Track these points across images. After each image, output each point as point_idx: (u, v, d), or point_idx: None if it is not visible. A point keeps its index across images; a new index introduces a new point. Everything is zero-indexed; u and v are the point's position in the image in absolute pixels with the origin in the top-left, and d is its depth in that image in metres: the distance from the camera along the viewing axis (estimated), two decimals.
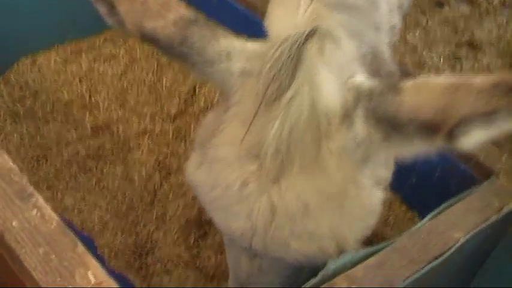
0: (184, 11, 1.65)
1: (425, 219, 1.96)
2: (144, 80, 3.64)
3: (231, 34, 1.67)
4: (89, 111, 3.44)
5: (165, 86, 3.60)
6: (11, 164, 1.77)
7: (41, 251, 1.60)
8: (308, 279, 2.15)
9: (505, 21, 4.35)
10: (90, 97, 3.52)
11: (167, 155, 3.25)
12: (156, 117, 3.43)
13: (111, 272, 1.62)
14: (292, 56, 1.47)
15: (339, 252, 1.65)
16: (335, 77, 1.51)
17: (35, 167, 3.16)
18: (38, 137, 3.29)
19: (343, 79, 1.53)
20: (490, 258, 2.42)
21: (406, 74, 2.02)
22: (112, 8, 1.67)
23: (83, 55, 3.76)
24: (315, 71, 1.47)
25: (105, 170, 3.19)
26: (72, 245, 1.60)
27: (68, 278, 1.54)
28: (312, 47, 1.48)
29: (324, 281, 1.69)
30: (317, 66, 1.48)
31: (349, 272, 1.73)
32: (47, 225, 1.64)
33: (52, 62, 3.68)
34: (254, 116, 1.52)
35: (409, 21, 4.19)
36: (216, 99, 3.48)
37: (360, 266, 1.76)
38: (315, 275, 2.12)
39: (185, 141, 3.31)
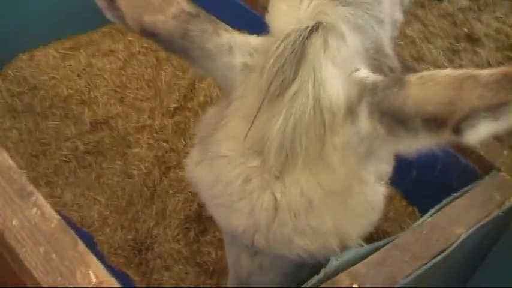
0: (185, 5, 1.64)
1: (427, 214, 1.95)
2: (143, 75, 3.63)
3: (232, 29, 1.66)
4: (87, 107, 3.43)
5: (164, 81, 3.59)
6: (10, 161, 1.76)
7: (41, 250, 1.58)
8: (308, 277, 2.15)
9: (503, 14, 4.34)
10: (89, 92, 3.51)
11: (167, 150, 3.24)
12: (156, 112, 3.43)
13: (110, 268, 1.60)
14: (295, 51, 1.46)
15: (342, 248, 1.65)
16: (339, 71, 1.50)
17: (34, 163, 3.15)
18: (37, 133, 3.29)
19: (347, 74, 1.52)
20: (491, 253, 2.42)
21: (407, 68, 2.01)
22: (112, 2, 1.66)
23: (82, 50, 3.75)
24: (319, 65, 1.46)
25: (104, 166, 3.18)
26: (73, 243, 1.59)
27: (68, 277, 1.52)
28: (316, 42, 1.47)
29: (326, 277, 1.68)
30: (321, 60, 1.47)
31: (352, 268, 1.72)
32: (47, 224, 1.63)
33: (50, 57, 3.67)
34: (257, 112, 1.51)
35: (408, 14, 4.17)
36: (215, 94, 3.47)
37: (362, 263, 1.75)
38: (314, 272, 2.12)
39: (185, 136, 3.30)
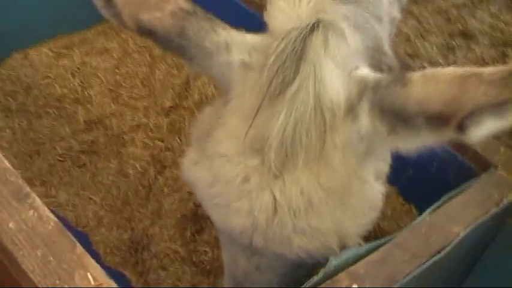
0: (182, 3, 1.63)
1: (426, 213, 1.94)
2: (138, 74, 3.62)
3: (230, 26, 1.65)
4: (81, 106, 3.42)
5: (159, 79, 3.58)
6: (6, 163, 1.74)
7: (39, 252, 1.57)
8: (305, 277, 2.14)
9: (498, 10, 4.34)
10: (83, 91, 3.50)
11: (162, 149, 3.23)
12: (150, 111, 3.41)
13: (107, 268, 1.59)
14: (296, 49, 1.45)
15: (341, 247, 1.65)
16: (339, 70, 1.49)
17: (28, 163, 3.13)
18: (31, 132, 3.27)
19: (347, 72, 1.51)
20: (488, 250, 2.42)
21: (404, 66, 2.01)
22: (109, 0, 1.65)
23: (75, 49, 3.73)
24: (319, 64, 1.46)
25: (99, 165, 3.17)
26: (70, 246, 1.58)
27: (67, 280, 1.51)
28: (316, 40, 1.46)
29: (326, 277, 1.67)
30: (321, 59, 1.46)
31: (351, 268, 1.72)
32: (44, 226, 1.61)
33: (44, 56, 3.65)
34: (258, 110, 1.50)
35: (402, 11, 4.16)
36: (210, 92, 3.46)
37: (361, 262, 1.74)
38: (311, 272, 2.11)
39: (180, 135, 3.29)
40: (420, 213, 2.73)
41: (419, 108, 1.41)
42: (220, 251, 2.63)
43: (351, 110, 1.50)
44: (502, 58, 3.95)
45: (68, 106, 3.40)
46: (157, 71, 3.62)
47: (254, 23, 1.65)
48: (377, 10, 1.67)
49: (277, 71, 1.47)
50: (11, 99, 3.41)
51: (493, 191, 2.07)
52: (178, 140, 3.26)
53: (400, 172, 2.58)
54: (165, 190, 3.05)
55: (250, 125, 1.52)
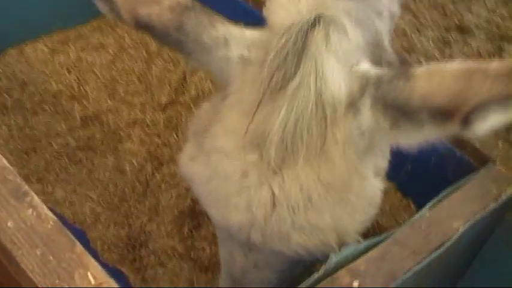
0: None
1: (425, 208, 1.94)
2: (134, 69, 3.60)
3: (228, 21, 1.64)
4: (78, 102, 3.40)
5: (155, 75, 3.57)
6: (4, 162, 1.73)
7: (38, 252, 1.56)
8: (303, 274, 2.14)
9: (494, 4, 4.34)
10: (79, 87, 3.48)
11: (158, 145, 3.22)
12: (147, 107, 3.40)
13: (104, 265, 1.58)
14: (297, 44, 1.45)
15: (340, 244, 1.64)
16: (341, 65, 1.49)
17: (25, 160, 3.12)
18: (27, 129, 3.25)
19: (349, 67, 1.51)
20: (486, 245, 2.42)
21: (403, 62, 2.00)
22: None
23: (71, 45, 3.71)
24: (321, 59, 1.45)
25: (95, 161, 3.15)
26: (70, 245, 1.57)
27: (67, 279, 1.50)
28: (318, 35, 1.45)
29: (326, 275, 1.67)
30: (323, 54, 1.45)
31: (352, 265, 1.71)
32: (43, 225, 1.60)
33: (39, 52, 3.63)
34: (258, 105, 1.50)
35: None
36: (207, 88, 3.45)
37: (361, 259, 1.74)
38: (308, 269, 2.11)
39: (177, 130, 3.28)
40: (418, 209, 2.73)
41: (423, 102, 1.42)
42: (218, 247, 2.63)
43: (352, 105, 1.50)
44: (499, 52, 3.95)
45: (64, 102, 3.39)
46: (153, 67, 3.61)
47: (252, 19, 1.65)
48: (377, 5, 1.66)
49: (278, 66, 1.46)
50: (6, 96, 3.39)
51: (491, 186, 2.07)
52: (175, 135, 3.25)
53: (398, 168, 2.58)
54: (162, 186, 3.04)
55: (251, 121, 1.52)
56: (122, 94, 3.47)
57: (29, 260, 1.54)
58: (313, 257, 1.67)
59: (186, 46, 1.63)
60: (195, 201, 2.91)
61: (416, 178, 2.65)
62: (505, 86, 1.34)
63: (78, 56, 3.65)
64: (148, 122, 3.32)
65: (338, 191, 1.56)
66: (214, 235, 2.80)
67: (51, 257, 1.54)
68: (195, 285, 2.68)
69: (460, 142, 2.35)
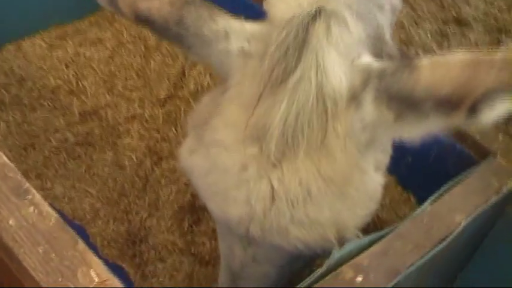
0: None
1: (427, 202, 1.94)
2: (132, 64, 3.59)
3: (228, 15, 1.64)
4: (76, 97, 3.39)
5: (154, 70, 3.55)
6: (4, 159, 1.72)
7: (40, 250, 1.55)
8: (302, 270, 2.13)
9: None
10: (77, 82, 3.46)
11: (158, 140, 3.21)
12: (145, 102, 3.39)
13: (104, 261, 1.58)
14: (298, 37, 1.44)
15: (339, 239, 1.64)
16: (342, 58, 1.48)
17: (23, 156, 3.10)
18: (25, 125, 3.24)
19: (350, 61, 1.50)
20: (487, 238, 2.42)
21: (404, 56, 2.00)
22: None
23: (68, 40, 3.69)
24: (322, 52, 1.45)
25: (94, 157, 3.14)
26: (72, 242, 1.56)
27: (70, 277, 1.49)
28: (319, 28, 1.45)
29: (329, 270, 1.67)
30: (324, 47, 1.45)
31: (355, 260, 1.71)
32: (45, 223, 1.59)
33: (37, 47, 3.62)
34: (259, 99, 1.49)
35: None
36: (206, 82, 3.44)
37: (364, 254, 1.74)
38: (308, 264, 2.11)
39: (176, 125, 3.27)
40: (419, 202, 2.75)
41: (428, 93, 1.41)
42: (218, 241, 2.63)
43: (354, 98, 1.49)
44: (496, 45, 3.95)
45: (62, 98, 3.37)
46: (152, 61, 3.59)
47: (252, 13, 1.64)
48: None
49: (278, 59, 1.46)
50: (4, 92, 3.37)
51: (492, 179, 2.08)
52: (174, 130, 3.24)
53: (398, 161, 2.58)
54: (162, 181, 3.03)
55: (252, 114, 1.51)
56: (121, 89, 3.45)
57: (31, 258, 1.54)
58: (313, 252, 1.66)
59: (186, 40, 1.63)
60: (195, 196, 2.91)
61: (417, 171, 2.65)
62: (511, 74, 1.35)
63: (76, 51, 3.63)
64: (147, 116, 3.31)
65: (338, 185, 1.55)
66: (214, 230, 2.80)
67: (53, 255, 1.54)
68: (195, 280, 2.68)
69: (460, 135, 2.35)
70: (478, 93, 1.36)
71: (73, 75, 3.50)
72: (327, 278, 1.66)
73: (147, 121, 3.29)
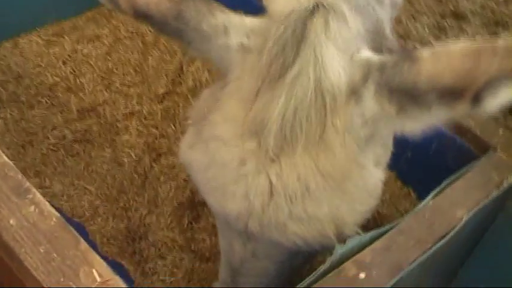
0: None
1: (428, 197, 1.93)
2: (130, 60, 3.58)
3: (228, 9, 1.64)
4: (74, 94, 3.37)
5: (151, 66, 3.54)
6: (5, 158, 1.70)
7: (41, 249, 1.54)
8: (303, 266, 2.13)
9: None
10: (75, 79, 3.45)
11: (156, 137, 3.20)
12: (144, 98, 3.37)
13: (104, 259, 1.57)
14: (296, 32, 1.44)
15: (338, 236, 1.63)
16: (340, 53, 1.47)
17: (21, 153, 3.09)
18: (23, 122, 3.22)
19: (349, 55, 1.49)
20: (488, 233, 2.42)
21: (405, 50, 1.99)
22: None
23: (66, 36, 3.67)
24: (320, 47, 1.44)
25: (93, 154, 3.13)
26: (74, 241, 1.55)
27: (72, 277, 1.48)
28: (317, 23, 1.44)
29: (332, 267, 1.66)
30: (322, 42, 1.44)
31: (357, 256, 1.71)
32: (46, 222, 1.58)
33: (34, 44, 3.60)
34: (257, 94, 1.49)
35: None
36: (204, 78, 3.43)
37: (367, 250, 1.73)
38: (308, 260, 2.10)
39: (174, 121, 3.26)
40: (419, 197, 2.75)
41: (431, 84, 1.41)
42: (217, 237, 2.62)
43: (354, 93, 1.49)
44: (494, 38, 3.94)
45: (60, 95, 3.36)
46: (149, 58, 3.58)
47: (251, 8, 1.65)
48: None
49: (276, 54, 1.45)
50: (1, 89, 3.35)
51: (493, 174, 2.07)
52: (172, 126, 3.23)
53: (398, 156, 2.58)
54: (161, 178, 3.02)
55: (251, 109, 1.51)
56: (118, 86, 3.44)
57: (32, 258, 1.53)
58: (312, 248, 1.66)
59: (185, 35, 1.63)
60: (194, 193, 2.91)
61: (417, 166, 2.65)
62: None
63: (73, 47, 3.62)
64: (145, 113, 3.30)
65: (337, 180, 1.55)
66: (214, 226, 2.79)
67: (55, 255, 1.53)
68: (196, 277, 2.67)
69: (460, 129, 2.34)
70: (481, 82, 1.35)
71: (70, 72, 3.48)
72: (330, 275, 1.66)
73: (145, 118, 3.28)
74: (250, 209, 1.59)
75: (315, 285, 1.63)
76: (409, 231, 1.82)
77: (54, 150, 3.13)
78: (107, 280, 1.47)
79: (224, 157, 1.59)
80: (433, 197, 1.95)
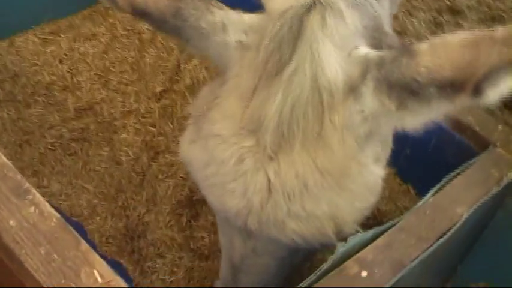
0: None
1: (429, 194, 1.93)
2: (127, 58, 3.57)
3: (226, 6, 1.64)
4: (71, 93, 3.36)
5: (149, 64, 3.53)
6: (4, 159, 1.69)
7: (42, 250, 1.53)
8: (303, 263, 2.12)
9: None
10: (71, 78, 3.44)
11: (154, 135, 3.19)
12: (141, 96, 3.36)
13: (103, 258, 1.56)
14: (292, 29, 1.43)
15: (337, 234, 1.63)
16: (337, 49, 1.46)
17: (19, 153, 3.08)
18: (20, 121, 3.21)
19: (346, 52, 1.48)
20: (487, 229, 2.42)
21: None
22: None
23: (62, 35, 3.66)
24: (316, 44, 1.43)
25: (90, 153, 3.12)
26: (75, 242, 1.54)
27: (73, 278, 1.47)
28: (313, 19, 1.43)
29: (334, 265, 1.66)
30: (318, 39, 1.43)
31: (359, 255, 1.70)
32: (46, 223, 1.57)
33: (30, 43, 3.58)
34: (254, 91, 1.48)
35: None
36: (202, 76, 3.42)
37: (369, 248, 1.73)
38: (308, 257, 2.10)
39: (172, 119, 3.25)
40: (418, 194, 2.75)
41: (431, 77, 1.40)
42: (217, 235, 2.62)
43: (353, 89, 1.48)
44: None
45: (56, 93, 3.35)
46: (146, 55, 3.57)
47: (249, 6, 1.64)
48: None
49: (273, 51, 1.44)
50: None
51: (493, 170, 2.07)
52: (170, 124, 3.22)
53: (397, 153, 2.57)
54: (159, 176, 3.02)
55: (247, 107, 1.51)
56: (116, 84, 3.43)
57: (33, 259, 1.52)
58: (311, 245, 1.66)
59: (183, 32, 1.63)
60: (192, 191, 2.90)
61: (416, 163, 2.65)
62: None
63: (69, 46, 3.60)
64: (143, 111, 3.29)
65: (335, 177, 1.54)
66: (213, 224, 2.79)
67: (55, 256, 1.52)
68: (196, 276, 2.67)
69: (459, 126, 2.34)
70: (481, 73, 1.35)
71: (67, 70, 3.47)
72: (332, 273, 1.65)
73: (143, 116, 3.27)
74: (249, 207, 1.59)
75: (317, 284, 1.62)
76: (410, 228, 1.81)
77: (51, 149, 3.12)
78: (109, 281, 1.46)
79: (223, 154, 1.58)
80: (433, 194, 1.94)
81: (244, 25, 1.59)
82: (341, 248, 1.64)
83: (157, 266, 2.71)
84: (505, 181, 2.04)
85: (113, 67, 3.52)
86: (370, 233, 1.74)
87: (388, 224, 1.82)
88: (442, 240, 1.81)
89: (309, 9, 1.43)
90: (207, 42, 1.62)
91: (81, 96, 3.35)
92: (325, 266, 1.64)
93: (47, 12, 3.66)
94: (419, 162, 2.61)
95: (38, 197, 1.62)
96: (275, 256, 1.82)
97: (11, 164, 1.68)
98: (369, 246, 1.74)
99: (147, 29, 3.67)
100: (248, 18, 1.61)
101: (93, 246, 2.71)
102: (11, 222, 1.58)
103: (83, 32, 3.70)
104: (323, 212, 1.57)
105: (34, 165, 3.03)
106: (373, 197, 1.68)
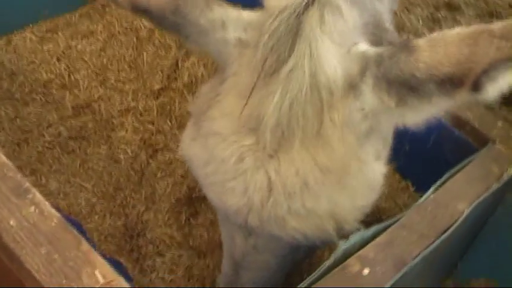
0: None
1: (429, 191, 1.93)
2: (124, 56, 3.55)
3: (225, 3, 1.63)
4: (68, 91, 3.35)
5: (146, 61, 3.52)
6: (4, 158, 1.69)
7: (42, 250, 1.52)
8: (304, 260, 2.12)
9: None
10: (69, 76, 3.42)
11: (152, 133, 3.18)
12: (139, 94, 3.35)
13: (103, 257, 1.56)
14: (291, 26, 1.42)
15: (338, 231, 1.62)
16: (336, 47, 1.46)
17: (17, 151, 3.07)
18: (18, 120, 3.20)
19: (345, 49, 1.48)
20: (487, 225, 2.42)
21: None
22: None
23: (59, 33, 3.64)
24: (315, 41, 1.42)
25: (89, 151, 3.12)
26: (76, 242, 1.53)
27: (74, 278, 1.47)
28: (312, 16, 1.42)
29: (336, 263, 1.65)
30: (317, 36, 1.43)
31: (361, 252, 1.70)
32: (47, 223, 1.56)
33: (28, 41, 3.57)
34: (252, 90, 1.48)
35: None
36: (200, 74, 3.41)
37: (370, 246, 1.72)
38: (309, 254, 2.09)
39: (170, 117, 3.24)
40: (417, 190, 2.74)
41: (430, 73, 1.39)
42: (216, 232, 2.62)
43: (352, 87, 1.48)
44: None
45: (54, 92, 3.34)
46: (144, 53, 3.56)
47: (250, 2, 1.64)
48: None
49: (271, 48, 1.44)
50: None
51: (492, 166, 2.07)
52: (169, 122, 3.21)
53: (396, 150, 2.57)
54: (158, 174, 3.01)
55: (245, 105, 1.50)
56: (113, 82, 3.42)
57: (33, 260, 1.51)
58: (312, 243, 1.66)
59: (183, 29, 1.63)
60: (191, 189, 2.90)
61: (415, 160, 2.64)
62: None
63: (67, 44, 3.59)
64: (141, 109, 3.28)
65: (336, 175, 1.54)
66: (212, 221, 2.79)
67: (56, 256, 1.51)
68: (195, 274, 2.66)
69: (458, 122, 2.34)
70: (480, 68, 1.34)
71: (65, 68, 3.46)
72: (334, 271, 1.65)
73: (141, 114, 3.27)
74: (250, 205, 1.59)
75: (319, 283, 1.62)
76: (412, 225, 1.81)
77: (49, 147, 3.11)
78: (111, 281, 1.45)
79: (223, 153, 1.58)
80: (434, 191, 1.94)
81: (243, 22, 1.59)
82: (343, 246, 1.64)
83: (156, 264, 2.70)
84: (505, 177, 2.04)
85: (111, 65, 3.51)
86: (371, 230, 1.74)
87: (390, 221, 1.81)
88: (443, 236, 1.81)
89: (307, 6, 1.42)
90: (206, 39, 1.63)
91: (79, 94, 3.33)
92: (327, 263, 1.63)
93: (45, 10, 3.65)
94: (419, 159, 2.61)
95: (38, 196, 1.62)
96: (276, 253, 1.82)
97: (11, 164, 1.68)
98: (371, 244, 1.73)
99: (144, 26, 3.66)
100: (247, 15, 1.61)
101: (93, 245, 2.70)
102: (11, 222, 1.57)
103: (81, 30, 3.69)
104: (323, 209, 1.57)
105: (32, 164, 3.02)
106: (374, 193, 1.68)
